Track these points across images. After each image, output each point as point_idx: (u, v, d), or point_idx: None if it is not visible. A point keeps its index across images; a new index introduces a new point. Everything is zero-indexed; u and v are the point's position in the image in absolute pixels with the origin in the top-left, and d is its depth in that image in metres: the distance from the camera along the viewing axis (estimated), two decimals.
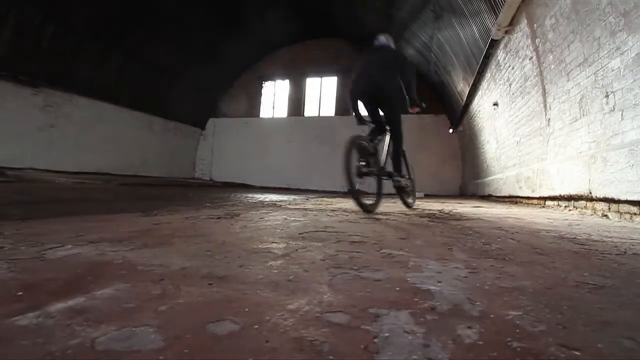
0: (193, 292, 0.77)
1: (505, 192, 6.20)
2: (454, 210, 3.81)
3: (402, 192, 3.58)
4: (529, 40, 4.67)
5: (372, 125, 3.37)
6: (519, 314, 0.69)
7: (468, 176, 10.81)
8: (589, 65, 3.35)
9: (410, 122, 12.23)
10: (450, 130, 11.34)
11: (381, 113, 3.34)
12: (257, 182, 14.03)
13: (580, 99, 3.58)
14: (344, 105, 13.66)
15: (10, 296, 0.71)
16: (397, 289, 0.85)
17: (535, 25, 4.41)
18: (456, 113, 10.42)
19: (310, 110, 14.28)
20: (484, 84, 7.15)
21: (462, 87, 8.72)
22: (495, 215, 3.34)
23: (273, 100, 14.84)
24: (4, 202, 3.30)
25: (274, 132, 14.38)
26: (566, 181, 3.76)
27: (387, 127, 3.33)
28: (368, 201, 3.00)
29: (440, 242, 1.57)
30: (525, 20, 4.61)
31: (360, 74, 3.31)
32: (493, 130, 7.24)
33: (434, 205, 4.82)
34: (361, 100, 3.29)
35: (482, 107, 7.76)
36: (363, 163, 2.95)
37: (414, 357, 0.51)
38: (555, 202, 4.12)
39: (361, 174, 2.95)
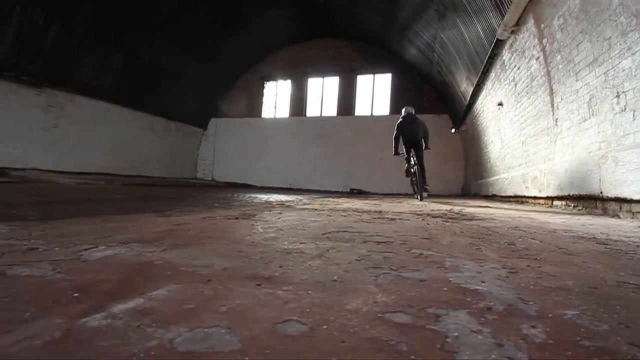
0: (245, 292, 0.78)
1: (510, 192, 6.21)
2: (464, 210, 3.82)
3: (426, 193, 6.32)
4: (536, 40, 4.68)
5: (406, 155, 6.32)
6: (576, 314, 0.70)
7: (471, 176, 10.82)
8: (599, 65, 3.37)
9: None
10: (453, 130, 11.36)
11: (413, 151, 6.21)
12: (258, 182, 14.02)
13: (590, 99, 3.59)
14: (346, 106, 13.67)
15: (68, 297, 0.71)
16: (445, 289, 0.85)
17: (542, 25, 4.42)
18: (459, 113, 10.43)
19: (312, 111, 14.28)
20: (489, 84, 7.16)
21: (466, 87, 8.74)
22: (507, 215, 3.35)
23: (275, 100, 14.84)
24: (15, 202, 3.29)
25: (276, 132, 14.38)
26: (575, 181, 3.77)
27: (415, 159, 6.08)
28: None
29: (465, 243, 1.58)
30: (533, 20, 4.62)
31: (405, 131, 6.21)
32: (497, 130, 7.25)
33: (442, 206, 4.83)
34: (404, 144, 6.24)
35: (486, 107, 7.77)
36: (413, 179, 6.32)
37: (493, 356, 0.52)
38: (564, 202, 4.13)
39: (412, 183, 6.52)
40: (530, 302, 0.76)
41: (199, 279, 0.86)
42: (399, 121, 6.31)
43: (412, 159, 6.13)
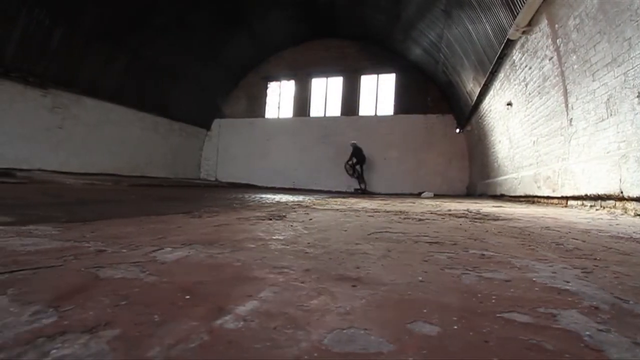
0: (348, 294, 0.78)
1: (520, 192, 6.24)
2: (482, 210, 3.84)
3: (365, 191, 12.26)
4: (549, 40, 4.70)
5: (355, 165, 12.32)
6: None
7: (476, 176, 10.86)
8: (618, 66, 3.39)
9: (414, 122, 12.31)
10: (457, 130, 11.39)
11: (359, 164, 12.39)
12: (262, 182, 14.01)
13: (608, 99, 3.61)
14: (350, 106, 13.69)
15: (182, 299, 0.71)
16: (536, 289, 0.86)
17: (556, 25, 4.45)
18: (464, 113, 10.47)
19: (316, 111, 14.29)
20: (497, 84, 7.19)
21: (472, 87, 8.77)
22: (528, 214, 3.36)
23: (278, 100, 14.83)
24: (34, 203, 3.27)
25: (279, 132, 14.37)
26: (593, 181, 3.79)
27: (360, 171, 12.34)
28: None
29: (513, 243, 1.59)
30: (546, 21, 4.65)
31: (357, 155, 12.08)
32: (506, 130, 7.28)
33: (455, 206, 4.84)
34: (355, 161, 12.22)
35: (494, 106, 7.80)
36: (355, 176, 12.55)
37: None
38: (580, 202, 4.16)
39: (359, 182, 12.47)
40: (631, 302, 0.77)
41: (291, 280, 0.87)
42: (352, 150, 12.00)
43: (357, 168, 12.16)
